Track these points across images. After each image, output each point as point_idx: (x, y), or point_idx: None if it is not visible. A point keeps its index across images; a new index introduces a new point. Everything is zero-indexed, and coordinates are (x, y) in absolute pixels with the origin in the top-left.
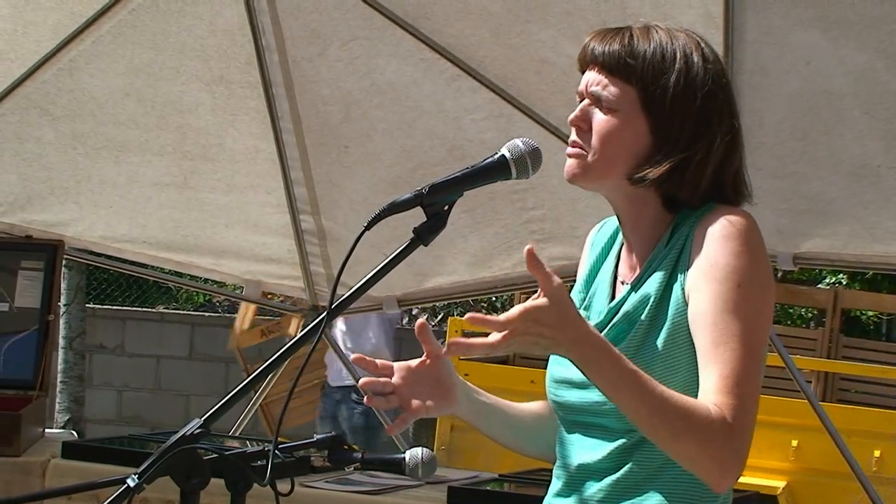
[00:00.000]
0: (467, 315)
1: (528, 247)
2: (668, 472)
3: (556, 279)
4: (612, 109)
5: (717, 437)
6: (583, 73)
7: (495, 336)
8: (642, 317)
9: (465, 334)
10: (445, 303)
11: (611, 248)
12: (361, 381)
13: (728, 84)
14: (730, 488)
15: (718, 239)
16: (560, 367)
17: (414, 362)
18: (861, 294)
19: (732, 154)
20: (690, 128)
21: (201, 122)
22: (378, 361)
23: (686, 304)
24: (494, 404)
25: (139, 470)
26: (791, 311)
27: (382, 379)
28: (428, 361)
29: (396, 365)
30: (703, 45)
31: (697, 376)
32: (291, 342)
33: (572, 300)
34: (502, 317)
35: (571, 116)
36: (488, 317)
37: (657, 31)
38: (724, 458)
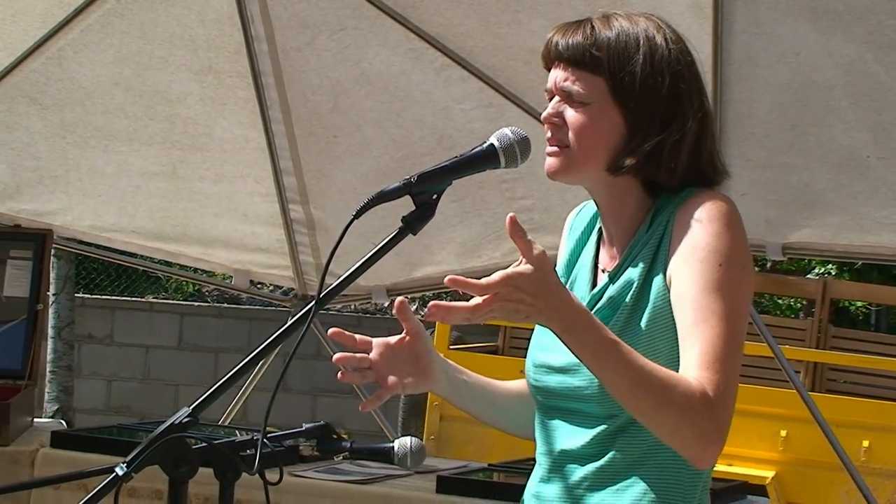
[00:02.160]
0: (447, 277)
1: (510, 215)
2: (652, 459)
3: (538, 247)
4: (584, 103)
5: (698, 409)
6: (548, 69)
7: (476, 300)
8: (626, 300)
9: (452, 326)
10: (435, 292)
11: (590, 233)
12: (336, 356)
13: (693, 62)
14: (709, 473)
15: (699, 221)
16: (541, 351)
17: (393, 339)
18: (850, 284)
19: (705, 131)
20: (662, 110)
21: (190, 111)
22: (357, 336)
23: (668, 288)
24: (475, 382)
25: (127, 459)
26: (780, 301)
27: (359, 355)
28: (407, 338)
29: (375, 341)
30: (664, 26)
31: (678, 359)
32: (280, 331)
33: (554, 269)
34: (483, 280)
35: (544, 114)
36: (468, 280)
37: (617, 19)
38: (705, 430)
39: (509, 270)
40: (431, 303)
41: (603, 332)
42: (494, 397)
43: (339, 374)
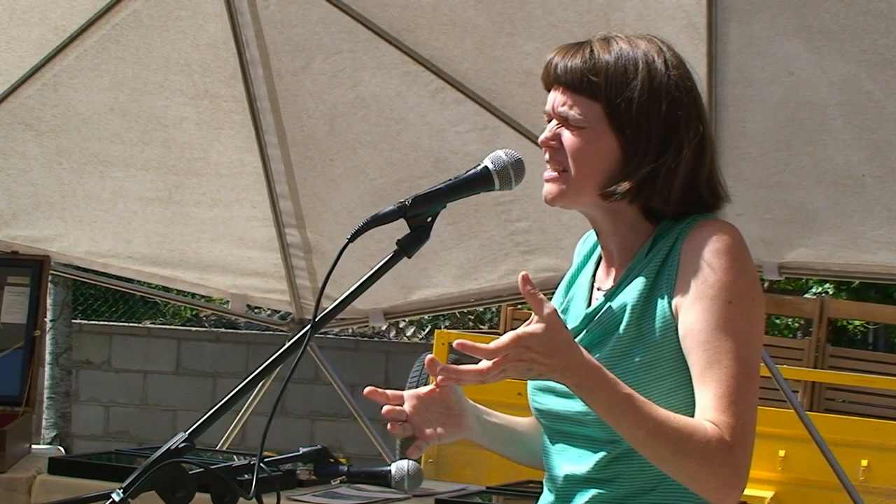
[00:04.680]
0: (456, 342)
1: (522, 273)
2: (659, 486)
3: (550, 305)
4: (581, 128)
5: (716, 456)
6: (548, 90)
7: (485, 363)
8: (622, 326)
9: (451, 347)
10: (432, 315)
11: (591, 256)
12: (385, 409)
13: (693, 87)
14: None
15: (707, 255)
16: None
17: (422, 390)
18: (847, 303)
19: (702, 158)
20: (658, 137)
21: (186, 136)
22: (389, 392)
23: (673, 318)
24: (506, 424)
25: (124, 485)
26: (778, 321)
27: (398, 408)
28: (437, 390)
29: (406, 394)
30: (665, 49)
31: (681, 390)
32: (276, 354)
33: (566, 326)
34: (492, 344)
35: (542, 138)
36: (478, 344)
37: (617, 42)
38: (723, 476)
39: (519, 331)
40: (440, 367)
41: (617, 386)
42: (524, 436)
43: (388, 426)
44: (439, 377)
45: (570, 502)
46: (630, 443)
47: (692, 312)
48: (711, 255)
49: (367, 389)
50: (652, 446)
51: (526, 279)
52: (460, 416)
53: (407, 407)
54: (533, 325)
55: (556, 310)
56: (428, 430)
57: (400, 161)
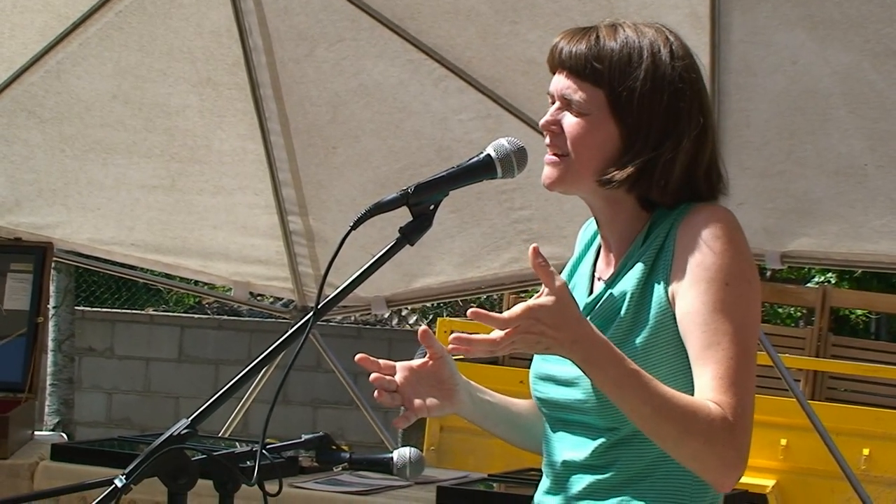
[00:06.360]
0: (470, 311)
1: (532, 245)
2: (656, 471)
3: (560, 279)
4: (583, 113)
5: (720, 435)
6: (553, 73)
7: (497, 333)
8: (621, 313)
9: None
10: (434, 303)
11: (591, 244)
12: (373, 376)
13: (697, 78)
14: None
15: (703, 238)
16: (544, 362)
17: (416, 362)
18: (850, 293)
19: (702, 151)
20: (658, 127)
21: (189, 123)
22: (381, 361)
23: (669, 303)
24: (499, 403)
25: (126, 470)
26: (780, 310)
27: (387, 377)
28: (430, 362)
29: (398, 364)
30: (672, 39)
31: (679, 375)
32: (278, 342)
33: (575, 300)
34: (505, 314)
35: (543, 121)
36: (491, 313)
37: (624, 29)
38: (727, 456)
39: (531, 303)
40: (453, 335)
41: (623, 362)
42: (518, 417)
43: (375, 394)
44: (451, 345)
45: (567, 487)
46: (634, 420)
47: (689, 295)
48: (707, 238)
49: (358, 356)
50: (657, 423)
51: (536, 251)
52: (452, 390)
53: (398, 378)
54: (544, 298)
55: (566, 283)
56: (417, 402)
57: (403, 149)
